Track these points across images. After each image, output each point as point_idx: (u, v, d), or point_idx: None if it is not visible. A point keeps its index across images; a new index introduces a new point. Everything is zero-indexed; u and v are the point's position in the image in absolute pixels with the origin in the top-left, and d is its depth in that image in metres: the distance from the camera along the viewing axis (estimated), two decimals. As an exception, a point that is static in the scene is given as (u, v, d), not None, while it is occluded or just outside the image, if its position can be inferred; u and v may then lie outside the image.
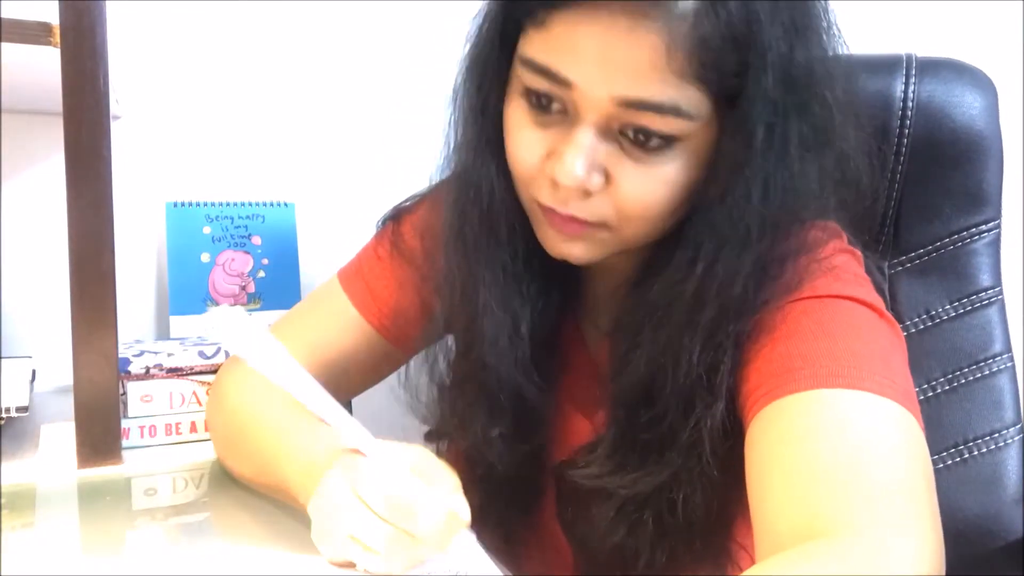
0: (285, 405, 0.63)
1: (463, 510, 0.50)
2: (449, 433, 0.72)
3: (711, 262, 0.55)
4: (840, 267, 0.58)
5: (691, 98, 0.52)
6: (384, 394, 0.76)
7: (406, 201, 0.76)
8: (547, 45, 0.53)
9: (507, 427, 0.67)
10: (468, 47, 0.62)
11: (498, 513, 0.70)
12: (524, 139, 0.57)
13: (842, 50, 0.58)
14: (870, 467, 0.46)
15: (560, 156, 0.55)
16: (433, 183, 0.72)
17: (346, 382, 0.73)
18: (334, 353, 0.72)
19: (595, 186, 0.55)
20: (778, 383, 0.52)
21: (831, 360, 0.51)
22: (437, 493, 0.50)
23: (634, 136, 0.54)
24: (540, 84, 0.55)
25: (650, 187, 0.55)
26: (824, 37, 0.56)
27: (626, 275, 0.64)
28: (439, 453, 0.76)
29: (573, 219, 0.57)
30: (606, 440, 0.62)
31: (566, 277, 0.67)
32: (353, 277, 0.74)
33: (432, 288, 0.68)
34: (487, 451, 0.67)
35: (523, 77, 0.56)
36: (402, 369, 0.74)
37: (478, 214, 0.62)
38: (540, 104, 0.56)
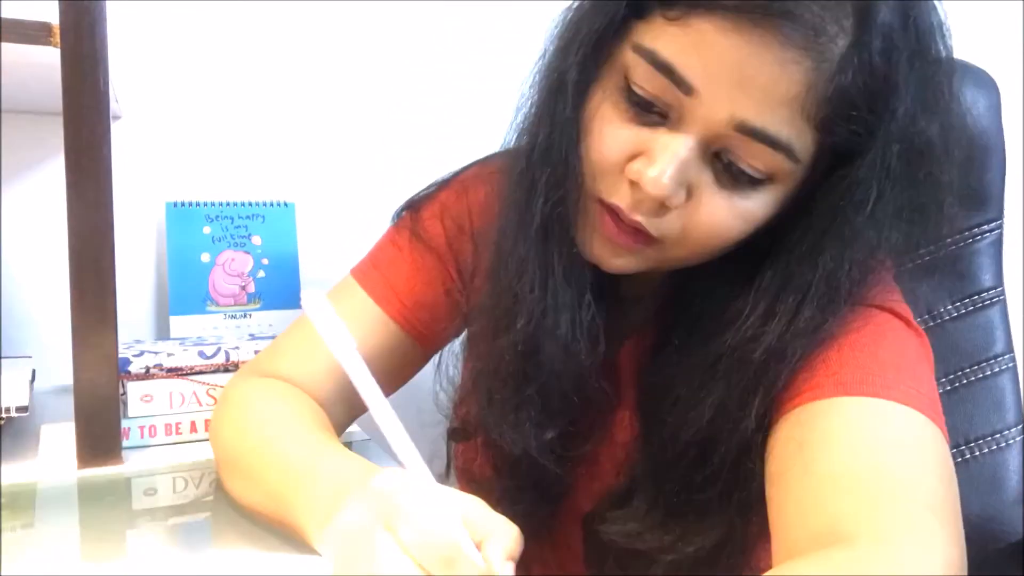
0: (307, 429, 0.59)
1: None
2: (477, 435, 0.67)
3: (791, 319, 0.52)
4: (870, 276, 0.57)
5: (807, 141, 0.50)
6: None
7: (422, 191, 0.73)
8: (679, 42, 0.49)
9: (564, 428, 0.63)
10: (568, 19, 0.57)
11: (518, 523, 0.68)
12: (612, 134, 0.53)
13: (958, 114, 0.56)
14: (892, 475, 0.46)
15: (652, 160, 0.51)
16: (453, 171, 0.70)
17: None
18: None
19: (675, 202, 0.52)
20: (804, 389, 0.52)
21: (856, 369, 0.51)
22: (490, 552, 0.41)
23: (729, 162, 0.51)
24: (652, 82, 0.50)
25: (728, 218, 0.52)
26: (947, 114, 0.53)
27: (660, 293, 0.62)
28: (456, 452, 0.73)
29: (637, 229, 0.54)
30: (644, 494, 0.59)
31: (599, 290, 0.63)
32: (369, 271, 0.71)
33: (459, 277, 0.64)
34: (538, 453, 0.62)
35: (633, 68, 0.51)
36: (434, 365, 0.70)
37: (551, 198, 0.57)
38: (641, 104, 0.52)
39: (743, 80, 0.47)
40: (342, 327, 0.39)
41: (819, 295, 0.52)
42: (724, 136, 0.50)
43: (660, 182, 0.50)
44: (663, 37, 0.50)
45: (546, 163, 0.57)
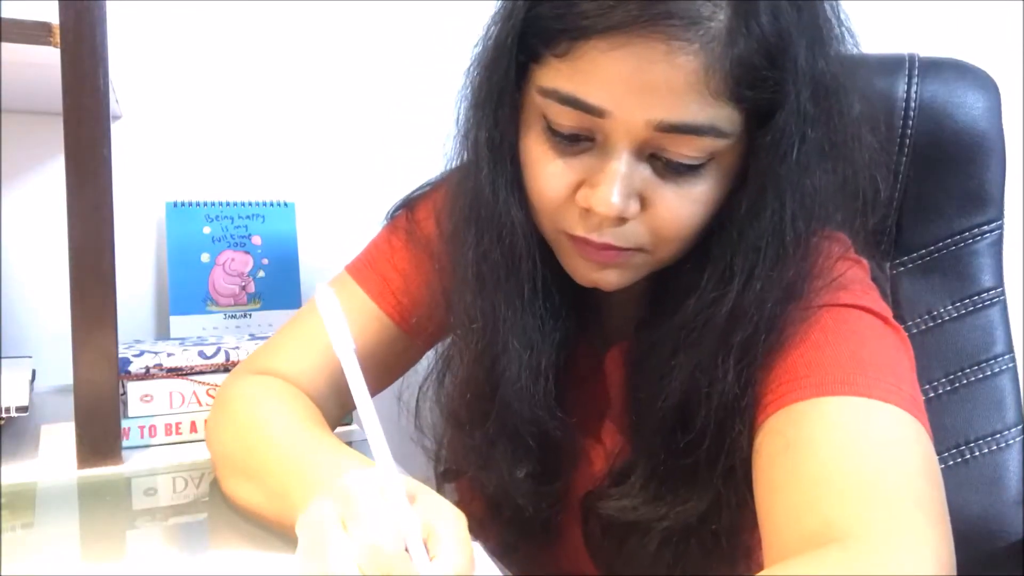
0: (303, 427, 0.60)
1: None
2: (466, 472, 0.69)
3: (747, 279, 0.54)
4: (847, 277, 0.58)
5: (727, 117, 0.51)
6: (386, 419, 0.74)
7: (418, 189, 0.74)
8: (575, 75, 0.51)
9: (532, 466, 0.65)
10: (475, 78, 0.60)
11: (518, 545, 0.69)
12: (550, 171, 0.55)
13: (855, 51, 0.57)
14: (879, 474, 0.46)
15: (596, 186, 0.53)
16: (447, 170, 0.71)
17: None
18: None
19: (632, 213, 0.54)
20: (784, 391, 0.52)
21: (838, 368, 0.51)
22: (437, 569, 0.42)
23: (667, 158, 0.53)
24: (565, 115, 0.53)
25: (686, 208, 0.54)
26: (840, 46, 0.55)
27: (642, 295, 0.63)
28: (450, 491, 0.75)
29: (609, 247, 0.55)
30: (638, 469, 0.61)
31: (582, 303, 0.66)
32: (365, 268, 0.72)
33: (448, 281, 0.66)
34: (513, 491, 0.65)
35: (545, 110, 0.54)
36: (413, 407, 0.72)
37: (497, 251, 0.60)
38: (564, 136, 0.54)
39: (644, 86, 0.50)
40: (347, 328, 0.41)
41: (770, 251, 0.53)
42: (650, 139, 0.52)
43: (610, 203, 0.53)
44: (559, 74, 0.52)
45: (486, 218, 0.60)
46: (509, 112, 0.57)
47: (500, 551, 0.67)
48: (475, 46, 0.60)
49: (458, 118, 0.62)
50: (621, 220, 0.54)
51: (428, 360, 0.74)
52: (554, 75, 0.53)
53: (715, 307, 0.55)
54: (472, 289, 0.62)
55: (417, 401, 0.71)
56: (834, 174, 0.55)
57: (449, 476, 0.74)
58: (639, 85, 0.50)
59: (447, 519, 0.45)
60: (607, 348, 0.68)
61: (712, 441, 0.56)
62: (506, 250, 0.60)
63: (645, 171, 0.54)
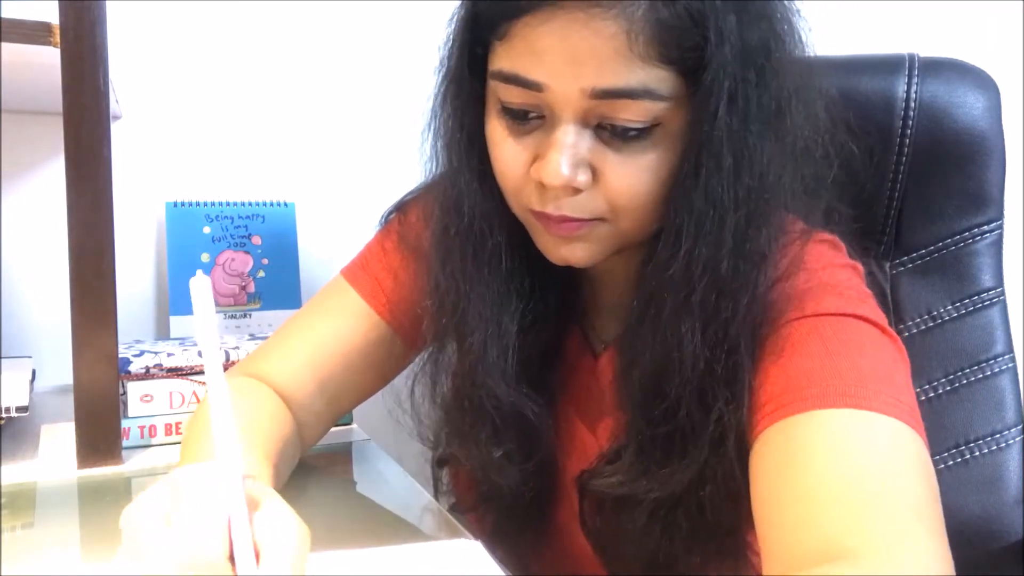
0: (242, 421, 0.61)
1: None
2: (456, 456, 0.70)
3: (693, 241, 0.55)
4: (843, 283, 0.58)
5: (660, 79, 0.53)
6: (387, 419, 0.74)
7: (410, 193, 0.75)
8: (513, 54, 0.55)
9: (511, 446, 0.66)
10: (440, 75, 0.63)
11: (513, 530, 0.69)
12: (507, 151, 0.58)
13: (809, 49, 0.59)
14: (881, 488, 0.46)
15: (545, 158, 0.55)
16: (438, 173, 0.72)
17: (355, 379, 0.72)
18: (343, 348, 0.70)
19: (582, 183, 0.55)
20: (784, 402, 0.52)
21: (837, 379, 0.51)
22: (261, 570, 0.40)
23: (613, 128, 0.54)
24: (513, 95, 0.56)
25: (636, 176, 0.55)
26: (778, 27, 0.56)
27: (627, 280, 0.64)
28: (448, 477, 0.76)
29: (567, 219, 0.57)
30: (629, 446, 0.62)
31: (567, 288, 0.67)
32: (359, 271, 0.74)
33: (427, 293, 0.67)
34: (493, 472, 0.66)
35: (497, 92, 0.57)
36: (406, 393, 0.72)
37: (464, 234, 0.63)
38: (517, 115, 0.57)
39: (572, 56, 0.52)
40: (214, 317, 0.41)
41: (714, 212, 0.54)
42: (590, 108, 0.54)
43: (558, 173, 0.55)
44: (503, 56, 0.56)
45: (455, 201, 0.63)
46: (469, 101, 0.61)
47: (493, 536, 0.68)
48: (439, 46, 0.63)
49: (430, 116, 0.65)
50: (574, 191, 0.56)
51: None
52: (499, 58, 0.56)
53: (667, 270, 0.56)
54: (447, 272, 0.64)
55: (412, 389, 0.72)
56: (776, 141, 0.55)
57: (442, 463, 0.75)
58: (568, 55, 0.52)
59: (286, 530, 0.41)
60: (604, 347, 0.69)
61: (691, 409, 0.57)
62: (473, 232, 0.63)
63: (592, 141, 0.55)
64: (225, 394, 0.41)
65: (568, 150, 0.54)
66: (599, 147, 0.55)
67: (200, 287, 0.40)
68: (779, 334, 0.55)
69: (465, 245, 0.63)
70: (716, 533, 0.60)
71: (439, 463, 0.75)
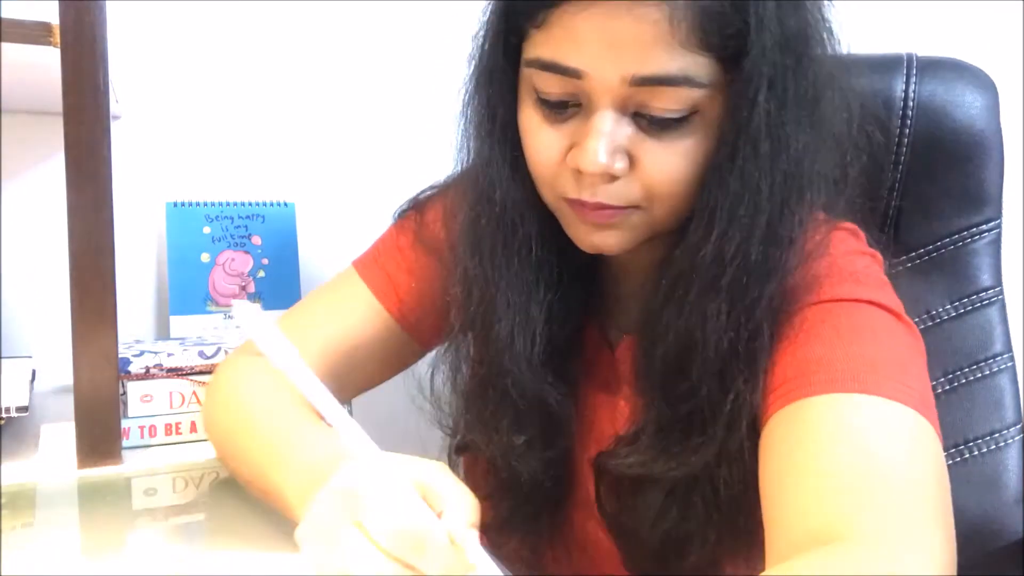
0: (288, 404, 0.63)
1: (472, 548, 0.44)
2: (475, 444, 0.70)
3: (727, 224, 0.55)
4: (861, 270, 0.59)
5: (700, 66, 0.53)
6: (407, 407, 0.73)
7: (426, 190, 0.75)
8: (552, 41, 0.54)
9: (532, 433, 0.66)
10: (473, 64, 0.63)
11: (528, 517, 0.69)
12: (543, 139, 0.58)
13: (839, 44, 0.59)
14: (886, 474, 0.46)
15: (582, 145, 0.55)
16: (457, 172, 0.72)
17: (360, 372, 0.72)
18: (350, 341, 0.71)
19: (619, 170, 0.55)
20: (795, 386, 0.52)
21: (849, 365, 0.51)
22: (451, 524, 0.44)
23: (650, 115, 0.54)
24: (550, 83, 0.55)
25: (674, 163, 0.55)
26: (814, 16, 0.57)
27: (648, 271, 0.64)
28: (464, 465, 0.75)
29: (603, 206, 0.57)
30: (648, 427, 0.62)
31: (587, 279, 0.67)
32: (371, 265, 0.74)
33: (453, 281, 0.67)
34: (513, 459, 0.66)
35: (533, 80, 0.57)
36: (426, 381, 0.72)
37: (495, 223, 0.63)
38: (554, 105, 0.57)
39: (613, 43, 0.52)
40: (270, 327, 0.42)
41: (748, 197, 0.54)
42: (629, 95, 0.54)
43: (596, 160, 0.54)
44: (541, 44, 0.55)
45: (485, 190, 0.63)
46: (503, 90, 0.60)
47: (507, 524, 0.68)
48: (473, 36, 0.63)
49: (462, 106, 0.65)
50: (611, 177, 0.56)
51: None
52: (536, 46, 0.56)
53: (699, 253, 0.56)
54: (475, 260, 0.64)
55: (432, 378, 0.71)
56: (811, 129, 0.56)
57: (460, 450, 0.74)
58: (608, 42, 0.52)
59: (431, 470, 0.46)
60: (620, 338, 0.69)
61: (711, 390, 0.57)
62: (502, 223, 0.62)
63: (630, 128, 0.55)
64: (332, 400, 0.44)
65: (606, 137, 0.54)
66: (636, 134, 0.55)
67: (244, 312, 0.41)
68: (794, 319, 0.56)
69: (496, 234, 0.63)
70: (730, 514, 0.60)
71: (457, 450, 0.74)
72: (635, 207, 0.57)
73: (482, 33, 0.62)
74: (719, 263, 0.55)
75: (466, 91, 0.64)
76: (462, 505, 0.45)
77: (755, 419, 0.56)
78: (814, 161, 0.56)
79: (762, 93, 0.53)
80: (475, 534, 0.44)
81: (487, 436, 0.67)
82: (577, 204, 0.58)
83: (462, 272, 0.65)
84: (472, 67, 0.63)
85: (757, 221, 0.55)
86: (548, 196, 0.61)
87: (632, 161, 0.56)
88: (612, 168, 0.55)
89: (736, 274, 0.55)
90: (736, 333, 0.55)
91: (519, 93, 0.60)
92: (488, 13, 0.61)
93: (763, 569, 0.46)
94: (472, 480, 0.75)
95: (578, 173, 0.56)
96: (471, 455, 0.73)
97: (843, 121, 0.59)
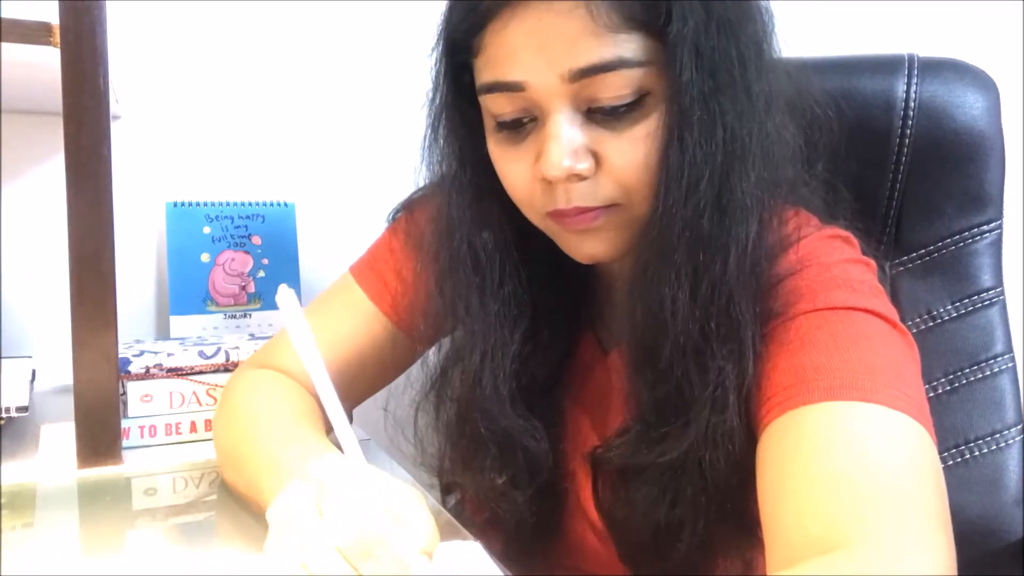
0: (288, 419, 0.63)
1: (418, 572, 0.44)
2: (460, 483, 0.71)
3: (672, 199, 0.55)
4: (856, 278, 0.58)
5: (632, 45, 0.53)
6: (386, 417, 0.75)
7: (417, 192, 0.75)
8: (490, 63, 0.56)
9: (514, 472, 0.66)
10: (429, 109, 0.64)
11: (522, 553, 0.69)
12: (510, 163, 0.59)
13: (772, 18, 0.59)
14: (886, 481, 0.46)
15: (543, 154, 0.56)
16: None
17: (361, 377, 0.73)
18: (350, 347, 0.71)
19: (585, 170, 0.56)
20: (791, 394, 0.52)
21: (845, 372, 0.51)
22: (403, 544, 0.43)
23: (602, 108, 0.55)
24: (500, 103, 0.57)
25: (637, 149, 0.56)
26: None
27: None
28: (453, 503, 0.75)
29: (581, 210, 0.57)
30: (636, 418, 0.62)
31: (579, 290, 0.68)
32: (366, 270, 0.74)
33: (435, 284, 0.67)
34: (495, 499, 0.66)
35: (488, 105, 0.58)
36: (409, 424, 0.73)
37: (461, 263, 0.63)
38: (511, 126, 0.58)
39: (543, 45, 0.53)
40: (304, 321, 0.44)
41: (687, 170, 0.54)
42: (575, 93, 0.54)
43: (558, 164, 0.55)
44: (483, 69, 0.57)
45: (447, 230, 0.64)
46: (459, 129, 0.62)
47: (503, 560, 0.68)
48: (426, 92, 0.64)
49: (421, 151, 0.66)
50: (579, 178, 0.56)
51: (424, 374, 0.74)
52: (480, 73, 0.58)
53: (657, 226, 0.56)
54: (443, 295, 0.65)
55: (416, 418, 0.72)
56: (748, 100, 0.55)
57: (448, 490, 0.75)
58: (538, 45, 0.53)
59: (404, 492, 0.46)
60: (611, 346, 0.69)
61: (687, 368, 0.56)
62: (467, 262, 0.63)
63: (586, 127, 0.56)
64: (333, 393, 0.45)
65: (562, 140, 0.55)
66: (594, 131, 0.56)
67: (286, 299, 0.43)
68: (789, 326, 0.55)
69: (458, 274, 0.64)
70: (720, 500, 0.60)
71: (445, 490, 0.75)
72: (615, 205, 0.58)
73: (433, 75, 0.63)
74: (668, 239, 0.55)
75: (425, 135, 0.65)
76: (420, 531, 0.45)
77: (744, 400, 0.55)
78: (751, 133, 0.56)
79: (688, 56, 0.53)
80: (424, 560, 0.44)
81: (470, 476, 0.68)
82: (558, 215, 0.58)
83: (434, 307, 0.66)
84: (429, 111, 0.64)
85: (699, 191, 0.54)
86: (534, 217, 0.61)
87: (598, 159, 0.56)
88: (576, 169, 0.55)
89: (689, 249, 0.55)
90: (705, 310, 0.55)
91: (485, 127, 0.61)
92: (433, 57, 0.62)
93: (761, 569, 0.46)
94: (466, 517, 0.75)
95: (547, 183, 0.57)
96: (462, 493, 0.73)
97: (787, 103, 0.58)
